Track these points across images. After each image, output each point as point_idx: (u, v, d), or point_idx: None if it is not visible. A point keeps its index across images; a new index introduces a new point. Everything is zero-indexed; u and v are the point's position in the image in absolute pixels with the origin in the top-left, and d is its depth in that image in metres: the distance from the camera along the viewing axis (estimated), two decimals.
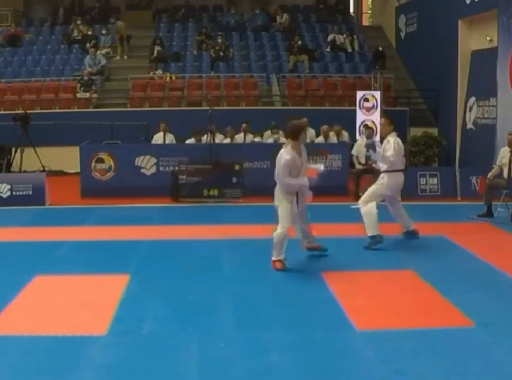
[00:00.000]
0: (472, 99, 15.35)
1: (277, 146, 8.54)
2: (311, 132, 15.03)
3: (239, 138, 14.77)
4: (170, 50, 20.23)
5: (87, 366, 5.04)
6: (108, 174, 13.10)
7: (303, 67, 19.38)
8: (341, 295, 6.69)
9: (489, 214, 10.78)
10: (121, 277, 7.34)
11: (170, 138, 14.60)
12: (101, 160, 13.10)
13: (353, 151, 13.45)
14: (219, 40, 19.92)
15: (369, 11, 26.35)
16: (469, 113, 15.49)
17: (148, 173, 13.15)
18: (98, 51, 19.54)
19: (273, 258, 7.73)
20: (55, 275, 7.56)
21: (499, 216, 10.73)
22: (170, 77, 18.98)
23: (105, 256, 8.45)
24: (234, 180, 12.48)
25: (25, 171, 14.79)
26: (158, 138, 14.68)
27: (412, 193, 12.85)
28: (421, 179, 13.17)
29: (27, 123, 15.36)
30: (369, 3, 26.41)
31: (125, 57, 20.24)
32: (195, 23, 21.68)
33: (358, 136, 14.86)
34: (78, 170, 13.46)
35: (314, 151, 12.21)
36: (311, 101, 18.18)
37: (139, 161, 13.13)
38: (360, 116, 15.47)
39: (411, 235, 9.21)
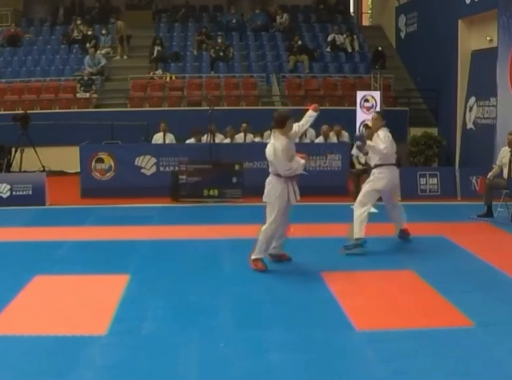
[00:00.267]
0: (472, 99, 15.35)
1: None
2: (311, 132, 15.04)
3: (239, 138, 14.78)
4: (170, 50, 20.23)
5: (87, 366, 5.04)
6: (108, 174, 13.10)
7: (303, 67, 19.39)
8: (341, 295, 6.69)
9: (489, 214, 10.78)
10: (121, 277, 7.34)
11: (170, 138, 14.60)
12: (101, 160, 13.10)
13: (353, 151, 13.43)
14: (219, 40, 19.92)
15: (369, 11, 26.35)
16: (469, 113, 15.49)
17: (148, 173, 13.15)
18: (98, 52, 19.55)
19: (254, 256, 7.56)
20: (55, 275, 7.56)
21: (499, 216, 10.73)
22: (170, 77, 18.98)
23: (105, 256, 8.45)
24: (234, 180, 12.48)
25: (25, 171, 14.79)
26: (158, 138, 14.69)
27: (412, 193, 12.85)
28: (421, 179, 13.17)
29: (27, 123, 15.37)
30: (369, 3, 26.41)
31: (125, 57, 20.25)
32: (195, 23, 21.69)
33: (357, 134, 14.86)
34: (78, 170, 13.47)
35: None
36: (311, 101, 18.06)
37: (139, 161, 13.13)
38: (361, 116, 15.48)
39: (402, 234, 9.08)
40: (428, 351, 5.28)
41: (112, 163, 13.11)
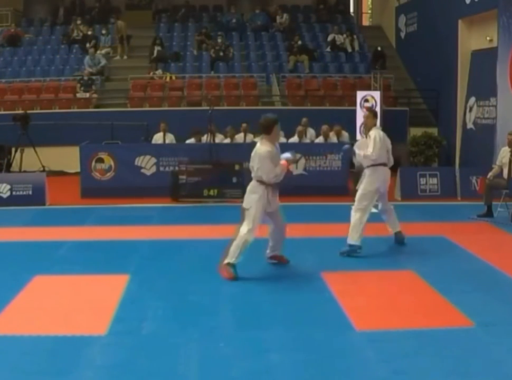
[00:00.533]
0: (472, 99, 15.36)
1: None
2: (311, 132, 15.07)
3: (239, 138, 14.79)
4: (170, 50, 20.23)
5: (87, 366, 5.04)
6: (108, 174, 13.11)
7: (303, 67, 19.38)
8: (341, 295, 6.69)
9: (489, 214, 10.79)
10: (121, 277, 7.34)
11: (170, 138, 14.61)
12: (101, 160, 13.10)
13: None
14: (219, 40, 19.92)
15: (369, 11, 26.35)
16: (469, 113, 15.50)
17: (148, 173, 13.15)
18: (98, 52, 19.54)
19: (227, 261, 7.27)
20: (55, 275, 7.56)
21: (499, 216, 10.73)
22: (170, 77, 18.98)
23: (105, 256, 8.45)
24: (234, 180, 12.47)
25: (25, 171, 14.80)
26: (158, 138, 14.69)
27: (412, 193, 12.87)
28: (421, 179, 13.16)
29: (27, 123, 15.38)
30: (369, 3, 26.41)
31: (125, 57, 20.24)
32: (195, 23, 21.68)
33: (358, 136, 14.87)
34: (78, 170, 13.47)
35: None
36: (311, 101, 18.18)
37: (139, 161, 13.13)
38: (361, 116, 15.46)
39: (397, 237, 8.92)
40: (428, 351, 5.28)
41: (112, 163, 13.11)
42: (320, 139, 14.59)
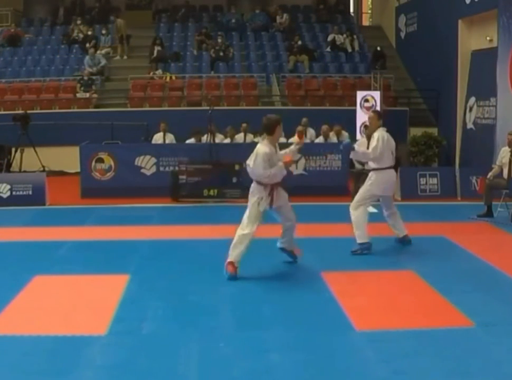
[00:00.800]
0: (472, 99, 15.36)
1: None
2: (311, 132, 15.06)
3: (239, 138, 14.79)
4: (170, 50, 20.23)
5: (87, 366, 5.04)
6: (108, 174, 13.11)
7: (303, 67, 19.39)
8: (341, 295, 6.69)
9: (489, 214, 10.79)
10: (121, 277, 7.34)
11: (170, 138, 14.61)
12: (101, 160, 13.11)
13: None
14: (219, 40, 19.92)
15: (369, 11, 26.35)
16: (469, 113, 15.50)
17: (148, 173, 13.15)
18: (98, 52, 19.55)
19: (230, 259, 7.38)
20: (55, 275, 7.56)
21: (499, 216, 10.73)
22: (170, 77, 18.98)
23: (105, 256, 8.45)
24: (234, 180, 12.48)
25: (25, 171, 14.81)
26: (158, 138, 14.69)
27: (412, 193, 12.88)
28: (421, 179, 13.17)
29: (27, 123, 15.38)
30: (369, 3, 26.41)
31: (125, 57, 20.25)
32: (195, 23, 21.68)
33: (358, 136, 14.87)
34: (78, 170, 13.47)
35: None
36: (311, 101, 18.18)
37: (139, 161, 13.14)
38: (361, 116, 15.48)
39: (404, 241, 8.86)
40: (428, 351, 5.28)
41: (112, 163, 13.11)
42: (320, 139, 14.58)
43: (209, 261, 8.08)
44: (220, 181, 12.46)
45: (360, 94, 16.04)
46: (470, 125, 15.49)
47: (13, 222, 10.64)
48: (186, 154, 13.11)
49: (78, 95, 18.06)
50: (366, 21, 26.25)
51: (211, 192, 12.51)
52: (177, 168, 12.80)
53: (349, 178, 13.03)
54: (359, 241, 8.36)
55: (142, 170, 13.13)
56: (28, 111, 16.06)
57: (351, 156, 8.83)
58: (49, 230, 10.16)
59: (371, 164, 8.63)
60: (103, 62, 19.19)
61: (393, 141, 8.72)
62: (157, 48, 19.56)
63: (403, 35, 20.70)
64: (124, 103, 18.14)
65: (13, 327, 5.83)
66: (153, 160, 13.15)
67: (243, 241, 7.37)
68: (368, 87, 17.39)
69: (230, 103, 18.03)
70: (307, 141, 14.59)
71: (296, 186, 11.75)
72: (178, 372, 4.95)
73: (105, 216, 11.26)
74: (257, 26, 21.31)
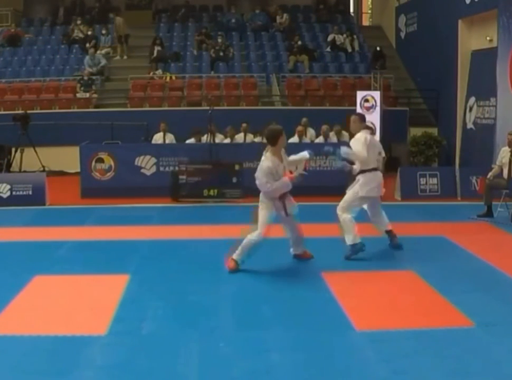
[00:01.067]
0: (472, 99, 15.36)
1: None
2: (311, 132, 15.06)
3: (239, 138, 14.79)
4: (170, 50, 20.23)
5: (87, 366, 5.04)
6: (108, 174, 13.11)
7: (303, 67, 19.39)
8: (341, 295, 6.69)
9: (489, 214, 10.79)
10: (121, 277, 7.34)
11: (170, 138, 14.61)
12: (101, 160, 13.11)
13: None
14: (219, 40, 19.93)
15: (369, 11, 26.36)
16: (469, 113, 15.50)
17: (148, 173, 13.15)
18: (98, 52, 19.55)
19: (233, 257, 7.60)
20: (55, 275, 7.56)
21: (499, 216, 10.73)
22: (170, 77, 18.98)
23: (105, 256, 8.45)
24: (234, 180, 12.48)
25: (25, 171, 14.81)
26: (158, 138, 14.70)
27: (412, 193, 12.88)
28: (421, 179, 13.17)
29: (27, 123, 15.38)
30: (369, 3, 26.42)
31: (125, 57, 20.25)
32: (195, 23, 21.69)
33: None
34: (78, 170, 13.47)
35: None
36: (311, 101, 18.18)
37: (139, 161, 13.14)
38: None
39: (391, 240, 8.71)
40: (428, 351, 5.28)
41: (112, 163, 13.11)
42: (320, 139, 14.58)
43: (209, 261, 8.09)
44: (220, 181, 12.46)
45: (360, 94, 16.04)
46: (470, 125, 15.49)
47: (13, 222, 10.64)
48: (186, 154, 13.11)
49: (78, 95, 18.06)
50: (366, 21, 26.27)
51: (211, 192, 12.51)
52: (177, 168, 12.80)
53: (349, 178, 13.01)
54: (350, 243, 8.27)
55: (142, 170, 13.13)
56: (28, 111, 16.06)
57: (343, 155, 8.76)
58: (49, 230, 10.16)
59: (357, 167, 8.60)
60: (103, 62, 19.19)
61: (379, 143, 8.83)
62: (157, 48, 19.57)
63: (402, 35, 20.70)
64: (124, 103, 18.13)
65: (13, 327, 5.83)
66: (153, 160, 13.15)
67: (250, 247, 7.56)
68: (368, 87, 17.39)
69: (230, 103, 18.03)
70: (308, 141, 14.59)
71: (296, 186, 11.75)
72: (178, 372, 4.95)
73: (105, 216, 11.26)
74: (257, 26, 21.31)
